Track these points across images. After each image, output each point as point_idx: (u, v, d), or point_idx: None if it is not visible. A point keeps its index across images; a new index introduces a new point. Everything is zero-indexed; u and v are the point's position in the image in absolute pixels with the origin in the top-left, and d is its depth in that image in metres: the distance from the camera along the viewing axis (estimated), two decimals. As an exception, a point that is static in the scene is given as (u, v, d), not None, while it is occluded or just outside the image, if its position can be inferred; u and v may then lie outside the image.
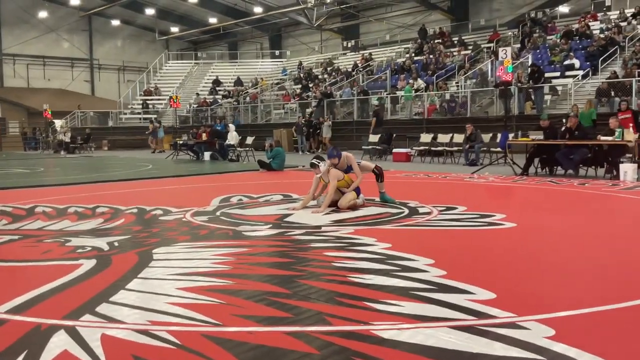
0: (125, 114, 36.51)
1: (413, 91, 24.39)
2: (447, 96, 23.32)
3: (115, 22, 43.00)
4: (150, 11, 40.15)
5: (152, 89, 38.56)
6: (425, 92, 24.18)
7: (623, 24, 23.59)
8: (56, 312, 3.41)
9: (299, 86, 32.75)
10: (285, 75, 36.87)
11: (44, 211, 7.71)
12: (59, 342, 2.95)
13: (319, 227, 6.22)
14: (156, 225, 6.60)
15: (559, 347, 2.77)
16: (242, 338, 2.99)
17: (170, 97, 29.35)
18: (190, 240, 5.62)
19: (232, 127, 21.22)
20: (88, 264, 4.61)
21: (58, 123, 34.61)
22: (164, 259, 4.83)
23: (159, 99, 37.53)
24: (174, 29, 43.60)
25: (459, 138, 17.07)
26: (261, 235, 5.86)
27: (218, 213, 7.37)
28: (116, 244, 5.46)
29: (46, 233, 6.12)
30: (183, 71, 41.54)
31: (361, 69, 31.08)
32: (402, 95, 25.08)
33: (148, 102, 36.87)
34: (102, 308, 3.49)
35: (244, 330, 3.10)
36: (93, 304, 3.56)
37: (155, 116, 33.67)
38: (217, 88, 37.71)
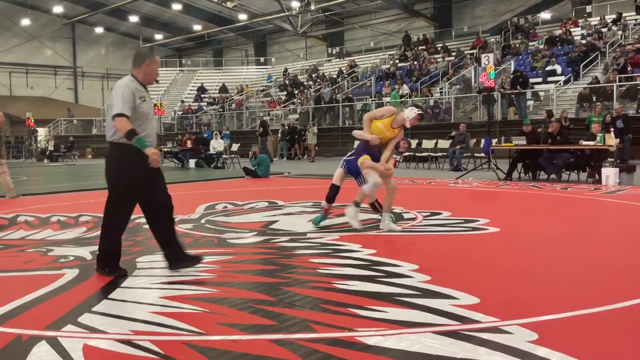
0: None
1: (399, 97, 24.50)
2: (432, 102, 23.46)
3: (99, 30, 42.76)
4: (134, 18, 40.00)
5: (137, 97, 38.32)
6: (410, 98, 24.29)
7: (604, 30, 23.92)
8: (38, 323, 3.37)
9: (285, 93, 32.77)
10: (271, 82, 36.88)
11: (27, 220, 7.62)
12: (41, 353, 2.92)
13: (304, 233, 6.22)
14: (140, 233, 6.55)
15: (542, 351, 2.79)
16: (226, 347, 2.97)
17: (155, 104, 29.20)
18: (175, 249, 5.57)
19: (219, 135, 21.20)
20: (71, 274, 4.56)
21: (41, 131, 34.29)
22: (148, 267, 4.80)
23: (143, 107, 37.29)
24: (158, 36, 43.46)
25: (443, 144, 17.17)
26: (246, 243, 5.84)
27: (203, 221, 7.34)
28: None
29: (28, 242, 6.05)
30: (167, 78, 41.37)
31: (346, 76, 31.19)
32: (387, 102, 25.18)
33: None
34: (85, 318, 3.46)
35: (228, 338, 3.09)
36: (75, 314, 3.53)
37: None
38: (202, 95, 37.60)
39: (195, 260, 4.60)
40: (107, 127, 4.37)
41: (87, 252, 5.40)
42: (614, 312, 3.42)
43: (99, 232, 6.51)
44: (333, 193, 6.65)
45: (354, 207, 6.22)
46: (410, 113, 6.27)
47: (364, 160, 6.22)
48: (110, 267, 4.47)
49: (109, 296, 3.93)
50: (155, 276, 4.49)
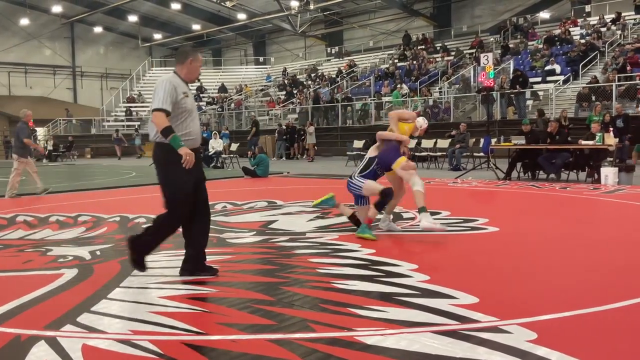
0: (108, 121, 36.21)
1: (401, 96, 24.49)
2: (431, 102, 23.45)
3: (98, 29, 42.67)
4: (133, 18, 39.94)
5: (136, 96, 38.32)
6: (409, 98, 24.30)
7: (603, 29, 23.93)
8: (37, 323, 3.37)
9: (284, 92, 32.76)
10: (270, 81, 36.87)
11: (25, 220, 7.62)
12: (40, 353, 2.92)
13: (304, 233, 6.22)
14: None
15: (541, 351, 2.79)
16: (225, 346, 2.97)
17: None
18: (173, 248, 5.56)
19: (218, 134, 21.22)
20: (69, 274, 4.56)
21: (41, 131, 34.25)
22: (147, 267, 4.78)
23: (142, 106, 37.28)
24: (157, 36, 43.41)
25: (442, 143, 17.17)
26: (245, 243, 5.84)
27: (202, 220, 7.32)
28: (98, 252, 5.42)
29: (27, 242, 6.05)
30: (166, 78, 41.30)
31: (345, 75, 31.18)
32: (386, 101, 25.18)
33: (131, 109, 36.64)
34: (84, 318, 3.45)
35: (227, 338, 3.09)
36: (74, 314, 3.52)
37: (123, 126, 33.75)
38: (201, 95, 37.58)
39: (212, 271, 4.45)
40: (151, 126, 4.24)
41: (86, 252, 5.40)
42: (612, 311, 3.42)
43: (97, 232, 6.57)
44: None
45: (423, 214, 5.73)
46: (423, 123, 6.38)
47: (405, 162, 5.95)
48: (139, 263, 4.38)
49: (108, 296, 3.93)
50: (154, 276, 4.48)
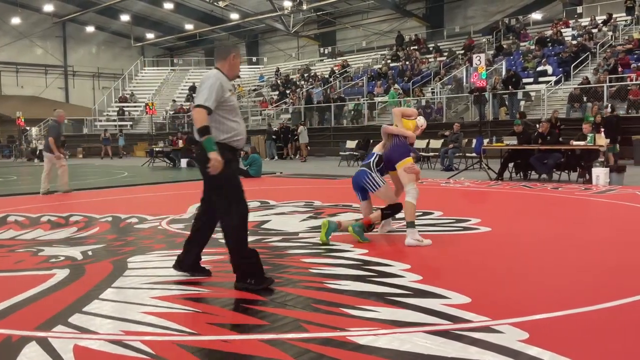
0: (101, 121, 36.08)
1: (401, 94, 24.50)
2: (423, 102, 23.50)
3: (90, 29, 42.51)
4: (125, 17, 39.81)
5: (128, 96, 38.20)
6: (402, 98, 24.34)
7: (594, 30, 24.06)
8: (28, 323, 3.35)
9: (276, 92, 32.74)
10: (263, 81, 36.83)
11: (17, 220, 7.58)
12: (31, 353, 2.90)
13: (296, 233, 6.22)
14: (131, 233, 6.53)
15: (533, 351, 2.80)
16: (217, 347, 2.97)
17: (146, 104, 29.14)
18: (166, 249, 5.56)
19: None
20: (61, 274, 4.54)
21: (33, 131, 34.08)
22: (139, 267, 4.78)
23: (134, 106, 37.18)
24: (150, 36, 43.30)
25: (435, 143, 17.21)
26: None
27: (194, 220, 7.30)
28: (90, 253, 5.39)
29: (19, 242, 6.02)
30: (159, 78, 41.22)
31: (338, 75, 31.20)
32: (379, 102, 25.21)
33: (124, 109, 36.51)
34: (75, 318, 3.44)
35: (219, 338, 3.08)
36: (66, 315, 3.51)
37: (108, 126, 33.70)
38: (194, 95, 37.47)
39: (206, 272, 4.41)
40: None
41: (77, 252, 5.37)
42: (604, 311, 3.44)
43: (89, 232, 6.54)
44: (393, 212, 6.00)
45: (410, 230, 5.54)
46: (423, 122, 6.20)
47: (411, 165, 5.77)
48: (256, 278, 4.03)
49: (100, 296, 3.91)
50: (147, 276, 4.47)
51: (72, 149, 31.26)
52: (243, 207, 4.09)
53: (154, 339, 3.08)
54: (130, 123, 35.38)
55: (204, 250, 4.46)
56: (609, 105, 17.36)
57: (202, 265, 4.46)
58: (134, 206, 9.21)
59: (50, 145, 11.11)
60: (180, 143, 20.53)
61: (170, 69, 42.48)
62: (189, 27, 41.10)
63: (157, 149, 22.13)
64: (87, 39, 44.35)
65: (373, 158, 6.04)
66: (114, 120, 35.86)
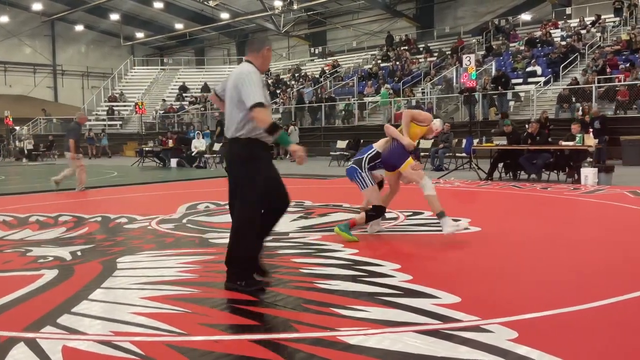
0: (90, 120, 35.84)
1: (393, 94, 24.53)
2: (414, 102, 23.55)
3: (79, 27, 42.20)
4: (114, 16, 39.56)
5: (117, 95, 38.00)
6: (392, 98, 24.39)
7: (583, 31, 24.22)
8: (16, 324, 3.32)
9: (267, 92, 32.67)
10: (253, 81, 36.73)
11: (4, 220, 7.51)
12: (19, 355, 2.88)
13: (287, 233, 6.21)
14: (121, 233, 6.50)
15: (522, 350, 2.82)
16: (207, 347, 2.96)
17: (136, 104, 28.99)
18: (156, 249, 5.54)
19: (201, 134, 21.14)
20: (50, 274, 4.51)
21: (22, 130, 33.82)
22: (129, 267, 4.75)
23: (124, 105, 36.98)
24: (139, 35, 43.06)
25: (425, 143, 17.24)
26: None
27: (184, 220, 7.30)
28: (79, 253, 5.36)
29: (6, 243, 5.97)
30: (149, 77, 41.03)
31: (328, 75, 31.21)
32: (369, 102, 25.24)
33: (113, 108, 36.31)
34: (64, 319, 3.42)
35: (209, 339, 3.07)
36: (54, 315, 3.49)
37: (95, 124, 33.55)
38: (184, 94, 37.37)
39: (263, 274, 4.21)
40: (231, 121, 3.96)
41: (66, 253, 5.34)
42: (592, 310, 3.46)
43: (78, 232, 6.50)
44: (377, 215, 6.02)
45: (443, 219, 5.66)
46: (440, 125, 6.28)
47: (414, 164, 5.89)
48: (247, 279, 3.99)
49: (89, 297, 3.89)
50: (136, 276, 4.45)
51: (60, 148, 31.03)
52: (257, 213, 4.03)
53: (143, 340, 3.06)
54: (120, 122, 35.18)
55: (192, 250, 4.43)
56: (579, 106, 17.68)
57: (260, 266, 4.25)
58: (124, 206, 9.16)
59: (70, 146, 11.52)
60: (170, 143, 20.44)
61: (160, 69, 42.31)
62: (179, 26, 40.94)
63: (146, 149, 22.02)
64: (76, 38, 44.06)
65: (368, 153, 6.04)
66: (104, 120, 35.65)
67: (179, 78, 40.35)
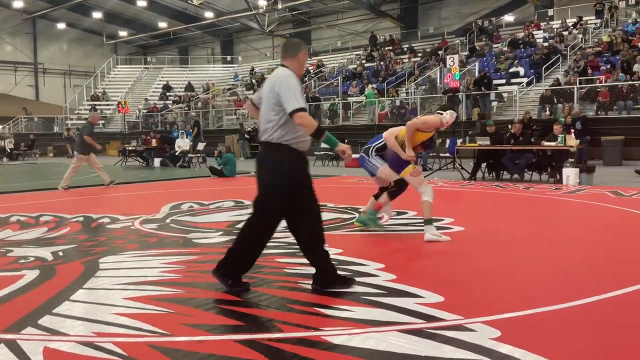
0: (72, 119, 35.49)
1: (377, 95, 24.56)
2: (398, 102, 23.63)
3: (61, 25, 41.73)
4: (97, 14, 39.16)
5: (100, 94, 37.65)
6: (377, 98, 24.43)
7: (565, 33, 24.47)
8: (-4, 326, 3.28)
9: (251, 92, 32.61)
10: (237, 80, 36.66)
11: (-16, 220, 7.41)
12: (-1, 356, 2.85)
13: (271, 233, 6.18)
14: (103, 233, 6.44)
15: (505, 349, 2.84)
16: (191, 348, 2.94)
17: (119, 103, 28.78)
18: (139, 249, 5.50)
19: (185, 134, 21.02)
20: (31, 275, 4.46)
21: (5, 129, 33.39)
22: (111, 268, 4.71)
23: (107, 104, 36.65)
24: (122, 33, 42.68)
25: (409, 143, 17.29)
26: (212, 243, 5.79)
27: (168, 220, 7.25)
28: (61, 253, 5.31)
29: (-14, 243, 5.88)
30: (132, 76, 40.71)
31: (313, 75, 31.21)
32: (354, 101, 25.28)
33: (96, 107, 35.96)
34: (45, 320, 3.38)
35: (193, 339, 3.06)
36: (35, 316, 3.45)
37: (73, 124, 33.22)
38: (168, 93, 37.14)
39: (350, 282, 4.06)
40: (264, 124, 3.90)
41: (47, 253, 5.28)
42: (574, 309, 3.50)
43: (60, 233, 6.43)
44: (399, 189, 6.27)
45: (427, 226, 5.76)
46: (450, 118, 6.16)
47: (414, 170, 5.92)
48: (233, 280, 3.96)
49: (71, 298, 3.85)
50: (119, 277, 4.41)
51: (42, 147, 30.72)
52: (272, 215, 3.96)
53: (126, 340, 3.04)
54: (103, 122, 34.84)
55: (176, 250, 4.40)
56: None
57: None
58: (106, 206, 9.09)
59: (85, 142, 11.88)
60: (154, 142, 20.30)
61: (144, 67, 41.98)
62: (162, 25, 40.64)
63: (129, 148, 21.86)
64: (58, 36, 43.58)
65: (376, 143, 6.20)
66: (86, 119, 35.25)
67: (162, 77, 40.08)
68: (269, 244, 5.38)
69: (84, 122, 34.05)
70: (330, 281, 3.95)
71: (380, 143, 6.15)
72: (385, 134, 6.14)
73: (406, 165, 5.93)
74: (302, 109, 3.70)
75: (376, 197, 6.40)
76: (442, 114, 6.09)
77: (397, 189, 6.23)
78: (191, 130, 22.39)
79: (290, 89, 3.74)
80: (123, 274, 4.52)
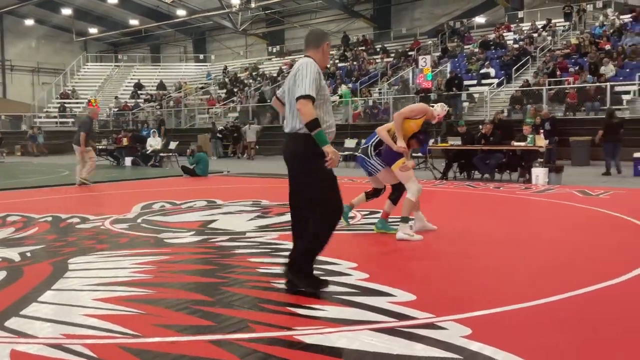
0: (40, 117, 34.83)
1: (351, 94, 24.61)
2: (370, 102, 23.75)
3: (29, 22, 40.90)
4: (66, 11, 38.49)
5: (70, 92, 37.03)
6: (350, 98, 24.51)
7: (534, 35, 24.87)
8: (-39, 329, 3.21)
9: (224, 91, 32.41)
10: (210, 79, 36.41)
11: (-51, 221, 7.24)
12: (-36, 360, 2.78)
13: (243, 233, 6.18)
14: (72, 234, 6.34)
15: (475, 346, 2.88)
16: (162, 349, 2.92)
17: (89, 101, 28.37)
18: (109, 249, 5.43)
19: (156, 133, 20.81)
20: (-3, 276, 4.36)
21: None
22: (81, 269, 4.64)
23: (76, 102, 36.07)
24: (93, 30, 42.01)
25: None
26: (184, 243, 5.75)
27: (139, 220, 7.17)
28: (29, 254, 5.21)
29: (-49, 244, 5.74)
30: (102, 74, 40.14)
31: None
32: (334, 100, 25.28)
33: (65, 105, 35.35)
34: (12, 322, 3.32)
35: (164, 340, 3.03)
36: (2, 319, 3.38)
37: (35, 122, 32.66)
38: (139, 92, 36.70)
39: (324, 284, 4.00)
40: (289, 115, 3.84)
41: (15, 254, 5.18)
42: (543, 306, 3.56)
43: (28, 233, 6.31)
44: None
45: (402, 224, 5.79)
46: (441, 110, 6.24)
47: (404, 164, 5.88)
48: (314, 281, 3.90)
49: (39, 299, 3.78)
50: (88, 277, 4.35)
51: (9, 146, 30.07)
52: (338, 200, 3.88)
53: (96, 342, 3.00)
54: (72, 120, 34.28)
55: (147, 250, 4.36)
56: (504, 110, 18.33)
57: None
58: (76, 205, 8.95)
59: (80, 139, 11.91)
60: (125, 141, 20.04)
61: (115, 65, 41.44)
62: (133, 22, 40.13)
63: (100, 147, 21.54)
64: (26, 33, 42.69)
65: (372, 141, 6.19)
66: (55, 117, 34.67)
67: (134, 75, 39.60)
68: (241, 244, 5.35)
69: (52, 120, 33.68)
70: (304, 273, 3.87)
71: (376, 139, 6.15)
72: (378, 129, 6.19)
73: (398, 158, 5.91)
74: (308, 97, 3.63)
75: (367, 195, 6.45)
76: (433, 106, 6.19)
77: (397, 193, 6.24)
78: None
79: (305, 76, 3.69)
80: (93, 274, 4.46)
